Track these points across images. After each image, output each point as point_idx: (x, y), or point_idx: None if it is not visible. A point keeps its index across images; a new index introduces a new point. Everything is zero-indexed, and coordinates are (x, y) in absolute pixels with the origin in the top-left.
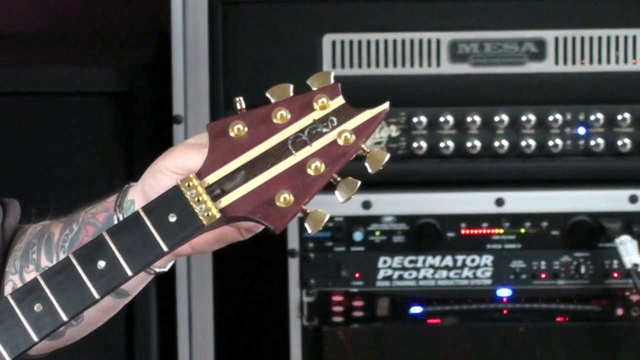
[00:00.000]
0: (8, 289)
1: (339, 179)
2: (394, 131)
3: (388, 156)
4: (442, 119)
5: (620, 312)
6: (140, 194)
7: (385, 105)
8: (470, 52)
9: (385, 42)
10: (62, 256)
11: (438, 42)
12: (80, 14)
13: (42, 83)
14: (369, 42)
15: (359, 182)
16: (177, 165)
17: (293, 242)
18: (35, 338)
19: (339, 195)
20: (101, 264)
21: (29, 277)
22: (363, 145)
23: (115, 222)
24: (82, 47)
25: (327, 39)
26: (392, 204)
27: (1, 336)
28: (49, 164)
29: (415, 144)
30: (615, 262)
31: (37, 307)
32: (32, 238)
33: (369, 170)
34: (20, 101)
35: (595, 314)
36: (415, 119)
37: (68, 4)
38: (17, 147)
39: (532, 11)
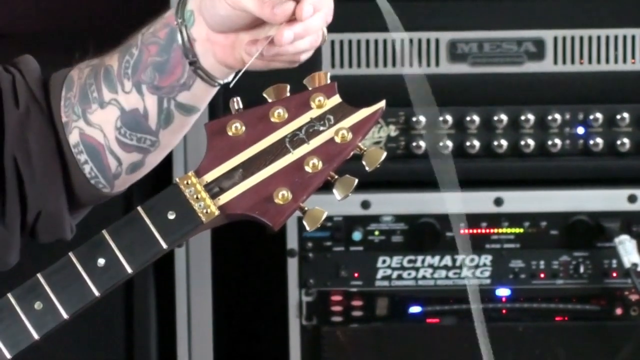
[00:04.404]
0: (74, 137)
1: (336, 176)
2: (392, 131)
3: (385, 154)
4: (441, 119)
5: (619, 311)
6: (197, 6)
7: (382, 104)
8: (469, 51)
9: (385, 42)
10: (126, 84)
11: (437, 41)
12: (80, 14)
13: None
14: (367, 42)
15: (356, 180)
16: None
17: (292, 242)
18: (35, 336)
19: (336, 193)
20: (101, 261)
21: (94, 118)
22: (360, 144)
23: (178, 36)
24: (82, 47)
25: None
26: (391, 204)
27: (2, 334)
28: None
29: (414, 144)
30: (614, 261)
31: (38, 305)
32: (85, 80)
33: (367, 168)
34: None
35: (594, 313)
36: (414, 119)
37: (68, 4)
38: None
39: (531, 11)
